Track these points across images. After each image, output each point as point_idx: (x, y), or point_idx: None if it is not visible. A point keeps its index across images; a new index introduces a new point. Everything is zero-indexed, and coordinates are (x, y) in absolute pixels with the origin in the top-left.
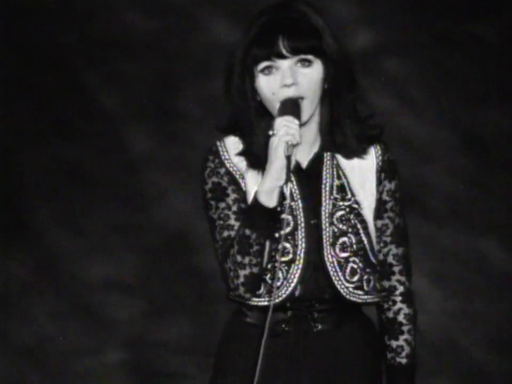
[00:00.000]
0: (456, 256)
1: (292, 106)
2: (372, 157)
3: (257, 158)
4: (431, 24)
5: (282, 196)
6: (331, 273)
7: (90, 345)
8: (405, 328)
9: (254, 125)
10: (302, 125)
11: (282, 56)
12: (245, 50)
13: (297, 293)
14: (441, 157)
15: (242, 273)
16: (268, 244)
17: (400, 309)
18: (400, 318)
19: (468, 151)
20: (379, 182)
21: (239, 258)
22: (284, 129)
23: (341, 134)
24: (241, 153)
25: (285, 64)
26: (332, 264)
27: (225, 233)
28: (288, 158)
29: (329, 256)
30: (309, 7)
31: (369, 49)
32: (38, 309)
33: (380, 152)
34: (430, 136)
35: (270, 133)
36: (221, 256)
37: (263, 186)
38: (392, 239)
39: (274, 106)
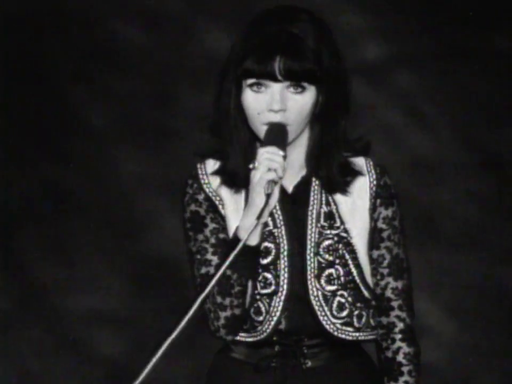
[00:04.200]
0: (473, 285)
1: (278, 135)
2: (365, 182)
3: (233, 176)
4: (445, 36)
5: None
6: (316, 307)
7: (77, 383)
8: (405, 369)
9: (232, 137)
10: (289, 143)
11: (275, 79)
12: (238, 60)
13: (282, 326)
14: (456, 178)
15: (223, 315)
16: (250, 284)
17: (399, 348)
18: (400, 357)
19: (485, 171)
20: (373, 209)
21: (219, 299)
22: (266, 163)
23: (325, 167)
24: (216, 172)
25: (276, 86)
26: (316, 298)
27: (203, 270)
28: (268, 196)
29: (314, 289)
30: (312, 22)
31: (380, 61)
32: (22, 343)
33: (374, 176)
34: (443, 155)
35: (251, 166)
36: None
37: (244, 223)
38: (389, 271)
39: (257, 126)
